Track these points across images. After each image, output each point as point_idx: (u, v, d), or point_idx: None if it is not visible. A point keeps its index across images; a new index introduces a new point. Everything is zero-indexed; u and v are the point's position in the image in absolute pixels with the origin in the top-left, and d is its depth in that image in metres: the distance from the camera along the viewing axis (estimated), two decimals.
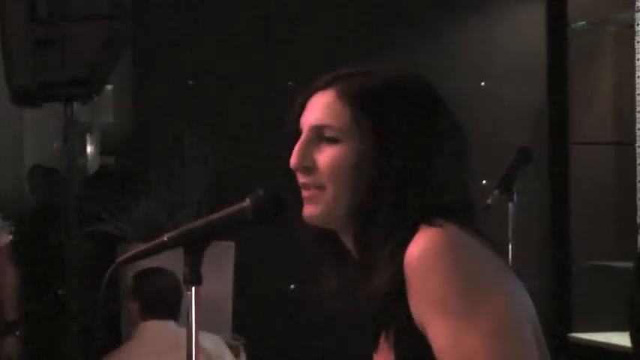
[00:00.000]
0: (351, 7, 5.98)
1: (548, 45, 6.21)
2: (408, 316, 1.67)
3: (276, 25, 5.88)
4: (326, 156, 1.79)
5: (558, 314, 6.11)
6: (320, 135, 1.80)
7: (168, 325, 4.24)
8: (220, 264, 5.08)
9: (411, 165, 1.75)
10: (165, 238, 1.82)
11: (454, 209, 1.75)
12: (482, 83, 6.18)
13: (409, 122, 1.77)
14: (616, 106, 6.19)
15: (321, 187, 1.79)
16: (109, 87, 6.20)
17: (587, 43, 6.16)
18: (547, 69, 6.21)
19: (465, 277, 1.64)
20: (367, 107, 1.78)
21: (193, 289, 1.82)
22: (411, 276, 1.66)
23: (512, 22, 6.28)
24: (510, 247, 4.54)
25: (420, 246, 1.66)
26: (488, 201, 4.48)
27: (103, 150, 8.40)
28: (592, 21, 6.11)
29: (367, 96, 1.79)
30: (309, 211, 1.81)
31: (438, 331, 1.64)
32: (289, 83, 5.55)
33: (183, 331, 4.23)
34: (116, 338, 5.46)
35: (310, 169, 1.80)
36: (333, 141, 1.79)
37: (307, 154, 1.80)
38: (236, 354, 4.80)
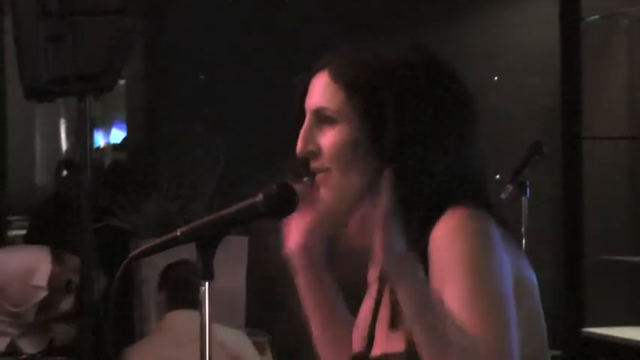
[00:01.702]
0: (365, 0, 5.97)
1: (561, 39, 6.19)
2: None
3: (288, 18, 5.88)
4: (327, 138, 1.80)
5: (571, 309, 6.09)
6: (320, 118, 1.82)
7: (193, 315, 4.23)
8: (234, 259, 5.08)
9: (411, 142, 1.74)
10: (178, 233, 1.82)
11: (473, 189, 1.76)
12: (495, 78, 6.16)
13: (403, 96, 1.75)
14: (629, 100, 6.17)
15: (327, 170, 1.80)
16: (122, 82, 6.21)
17: (600, 37, 6.15)
18: (560, 63, 6.19)
19: (485, 251, 1.65)
20: (358, 85, 1.78)
21: (206, 284, 1.82)
22: (435, 253, 1.67)
23: (525, 17, 6.27)
24: (524, 241, 4.53)
25: (445, 224, 1.68)
26: (502, 196, 4.47)
27: (115, 145, 8.42)
28: (605, 15, 6.09)
29: (358, 74, 1.79)
30: (321, 194, 1.81)
31: (452, 293, 1.64)
32: (301, 77, 5.55)
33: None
34: (129, 333, 5.48)
35: (315, 153, 1.82)
36: (331, 122, 1.80)
37: (311, 138, 1.82)
38: (261, 351, 4.78)
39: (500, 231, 1.72)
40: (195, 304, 4.23)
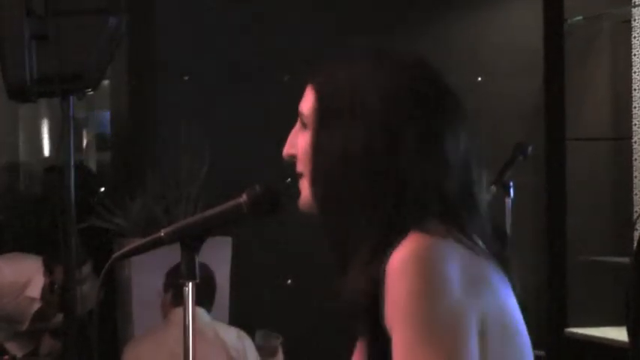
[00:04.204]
0: (349, 1, 5.97)
1: (545, 40, 6.20)
2: (381, 321, 1.64)
3: (273, 19, 5.87)
4: (299, 142, 1.80)
5: (554, 309, 6.11)
6: (301, 123, 1.81)
7: (200, 311, 4.34)
8: (217, 259, 5.07)
9: (367, 154, 1.70)
10: (162, 234, 1.82)
11: (441, 206, 1.69)
12: (479, 79, 6.17)
13: (370, 103, 1.71)
14: (612, 101, 6.19)
15: (302, 176, 1.80)
16: (106, 82, 6.19)
17: (583, 39, 6.16)
18: (544, 64, 6.21)
19: (435, 293, 1.60)
20: (324, 91, 1.77)
21: (190, 284, 1.83)
22: (389, 282, 1.62)
23: (508, 18, 6.28)
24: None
25: (402, 254, 1.62)
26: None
27: (99, 145, 8.40)
28: (588, 16, 6.10)
29: (326, 81, 1.77)
30: (299, 201, 1.81)
31: (397, 339, 1.61)
32: (285, 78, 5.55)
33: (210, 322, 4.36)
34: (112, 332, 5.47)
35: (294, 156, 1.81)
36: (304, 127, 1.80)
37: (293, 142, 1.81)
38: (273, 353, 4.79)
39: (469, 256, 1.65)
40: (200, 302, 4.33)
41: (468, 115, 1.79)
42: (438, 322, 1.59)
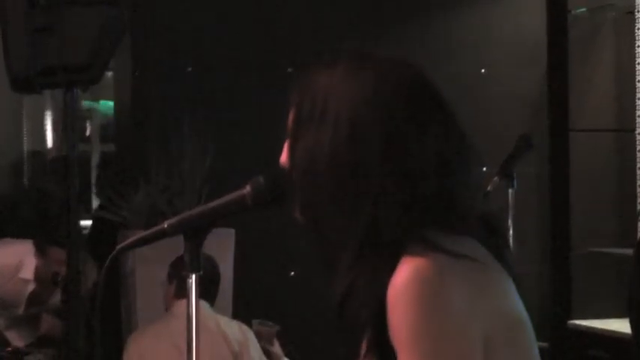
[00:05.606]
0: None
1: (548, 31, 6.20)
2: (387, 338, 1.62)
3: (276, 11, 5.87)
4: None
5: (558, 301, 6.11)
6: None
7: (203, 304, 4.34)
8: (221, 251, 5.08)
9: (333, 162, 1.67)
10: (165, 225, 1.82)
11: (420, 211, 1.65)
12: (483, 70, 6.17)
13: (336, 115, 1.68)
14: (616, 92, 6.18)
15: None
16: (109, 74, 6.19)
17: (587, 30, 6.15)
18: (547, 55, 6.20)
19: (439, 319, 1.58)
20: (297, 103, 1.74)
21: (193, 276, 1.83)
22: (391, 307, 1.60)
23: (512, 9, 6.27)
24: (511, 233, 4.55)
25: (400, 280, 1.59)
26: (489, 188, 4.49)
27: (102, 136, 8.41)
28: (592, 7, 6.10)
29: (302, 92, 1.74)
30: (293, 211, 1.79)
31: None
32: (289, 70, 5.55)
33: (212, 315, 4.36)
34: (116, 323, 5.48)
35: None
36: (287, 137, 1.78)
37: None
38: (269, 339, 4.82)
39: (465, 265, 1.62)
40: (203, 295, 4.35)
41: (458, 115, 1.73)
42: (445, 348, 1.58)
